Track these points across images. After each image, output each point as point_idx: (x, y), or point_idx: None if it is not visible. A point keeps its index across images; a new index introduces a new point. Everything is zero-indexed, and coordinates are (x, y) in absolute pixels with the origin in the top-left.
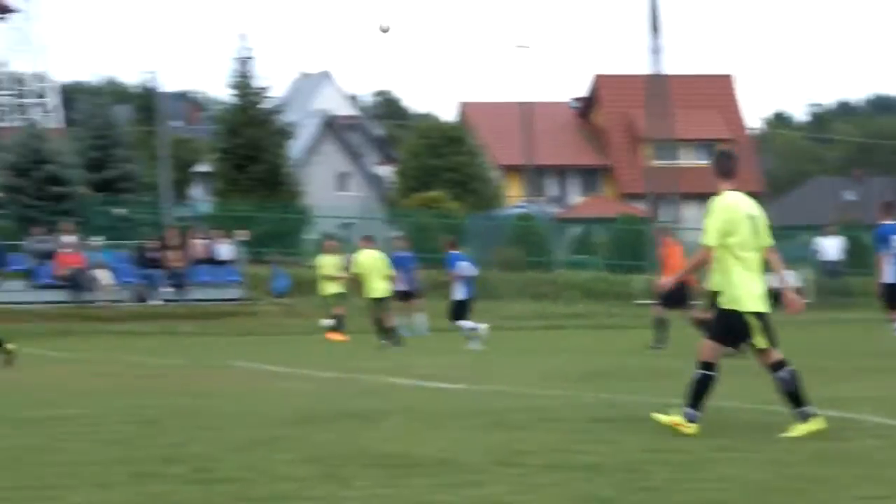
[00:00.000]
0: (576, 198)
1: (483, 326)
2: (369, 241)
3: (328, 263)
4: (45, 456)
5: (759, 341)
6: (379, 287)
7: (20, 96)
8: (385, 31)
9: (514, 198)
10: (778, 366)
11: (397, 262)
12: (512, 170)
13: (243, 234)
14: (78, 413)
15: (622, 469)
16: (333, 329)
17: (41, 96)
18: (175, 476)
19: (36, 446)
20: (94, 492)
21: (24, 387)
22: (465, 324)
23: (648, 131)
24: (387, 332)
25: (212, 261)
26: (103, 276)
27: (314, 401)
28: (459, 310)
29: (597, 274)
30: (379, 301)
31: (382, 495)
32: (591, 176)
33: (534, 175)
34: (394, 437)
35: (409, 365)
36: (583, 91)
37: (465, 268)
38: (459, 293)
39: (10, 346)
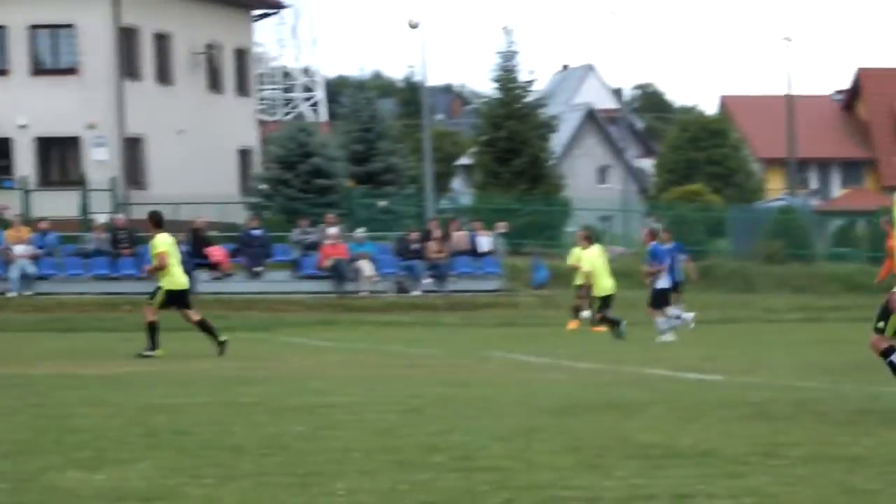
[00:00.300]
0: (837, 191)
1: (690, 315)
2: (590, 240)
3: (583, 255)
4: (310, 443)
5: None
6: (606, 285)
7: (288, 91)
8: (414, 26)
9: (776, 191)
10: None
11: (664, 255)
12: (773, 163)
13: (503, 227)
14: (342, 401)
15: (887, 462)
16: (599, 322)
17: (308, 90)
18: (437, 464)
19: (301, 434)
20: (357, 479)
21: (288, 376)
22: (672, 311)
23: None
24: (611, 325)
25: (472, 252)
26: (366, 267)
27: (573, 391)
28: (661, 299)
29: (859, 266)
30: (606, 299)
31: (642, 485)
32: (853, 169)
33: (796, 168)
34: (654, 428)
35: (667, 356)
36: (845, 84)
37: (665, 255)
38: (662, 282)
39: (222, 337)
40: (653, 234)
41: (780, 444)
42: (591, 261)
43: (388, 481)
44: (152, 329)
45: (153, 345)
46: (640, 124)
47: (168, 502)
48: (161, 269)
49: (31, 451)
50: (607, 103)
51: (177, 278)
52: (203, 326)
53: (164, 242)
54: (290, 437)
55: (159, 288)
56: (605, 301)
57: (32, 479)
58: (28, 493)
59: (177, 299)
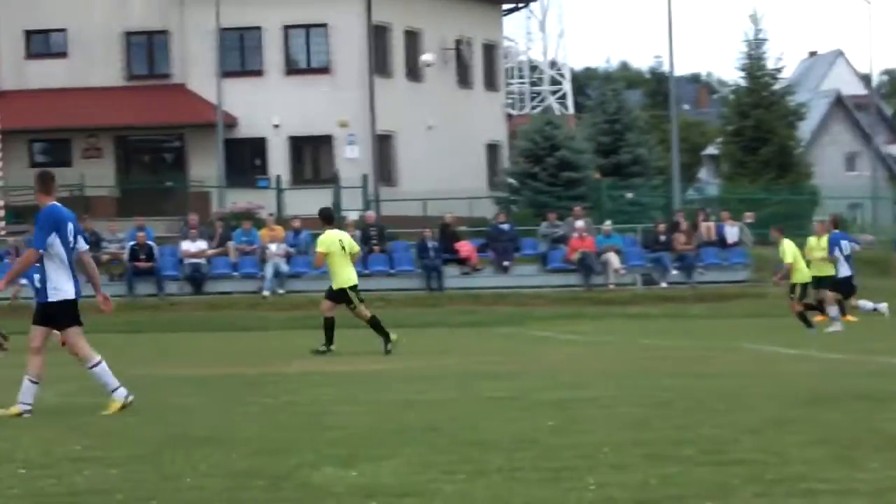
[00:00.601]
0: None
1: (883, 306)
2: (782, 232)
3: (816, 245)
4: (561, 438)
5: None
6: (804, 273)
7: (535, 84)
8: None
9: None
10: None
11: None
12: None
13: (750, 217)
14: (593, 395)
15: None
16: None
17: (556, 83)
18: (686, 458)
19: (553, 428)
20: (609, 473)
21: (538, 370)
22: (863, 303)
23: None
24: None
25: (720, 243)
26: (613, 259)
27: (823, 382)
28: (848, 287)
29: None
30: (803, 286)
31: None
32: None
33: None
34: None
35: None
36: None
37: (846, 247)
38: (844, 270)
39: (393, 336)
40: (835, 223)
41: None
42: (793, 252)
43: (639, 475)
44: (329, 325)
45: (328, 341)
46: (889, 110)
47: (420, 498)
48: (318, 267)
49: (287, 449)
50: (856, 89)
51: (341, 277)
52: (374, 324)
53: (324, 241)
54: (541, 431)
55: (331, 287)
56: (803, 289)
57: (288, 477)
58: (283, 489)
59: (343, 297)
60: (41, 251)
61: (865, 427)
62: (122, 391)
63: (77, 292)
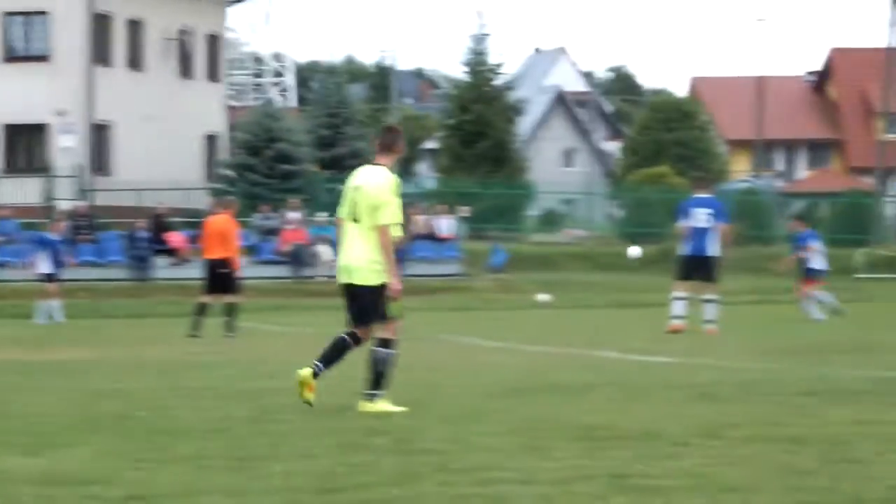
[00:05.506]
0: (804, 172)
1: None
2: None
3: None
4: (253, 427)
5: None
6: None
7: (258, 76)
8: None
9: (741, 172)
10: None
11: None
12: (741, 144)
13: (465, 211)
14: (289, 386)
15: (826, 441)
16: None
17: (279, 76)
18: (377, 447)
19: (247, 417)
20: (296, 461)
21: (239, 361)
22: (824, 296)
23: (883, 105)
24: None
25: (433, 237)
26: (325, 251)
27: (521, 374)
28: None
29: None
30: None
31: (580, 466)
32: (820, 150)
33: (762, 149)
34: (598, 410)
35: (616, 339)
36: (818, 65)
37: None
38: (817, 263)
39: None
40: (802, 221)
41: (723, 425)
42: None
43: (327, 463)
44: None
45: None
46: (609, 107)
47: (104, 486)
48: None
49: None
50: (579, 86)
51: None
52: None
53: None
54: (233, 420)
55: None
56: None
57: None
58: None
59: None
60: None
61: (557, 418)
62: None
63: None
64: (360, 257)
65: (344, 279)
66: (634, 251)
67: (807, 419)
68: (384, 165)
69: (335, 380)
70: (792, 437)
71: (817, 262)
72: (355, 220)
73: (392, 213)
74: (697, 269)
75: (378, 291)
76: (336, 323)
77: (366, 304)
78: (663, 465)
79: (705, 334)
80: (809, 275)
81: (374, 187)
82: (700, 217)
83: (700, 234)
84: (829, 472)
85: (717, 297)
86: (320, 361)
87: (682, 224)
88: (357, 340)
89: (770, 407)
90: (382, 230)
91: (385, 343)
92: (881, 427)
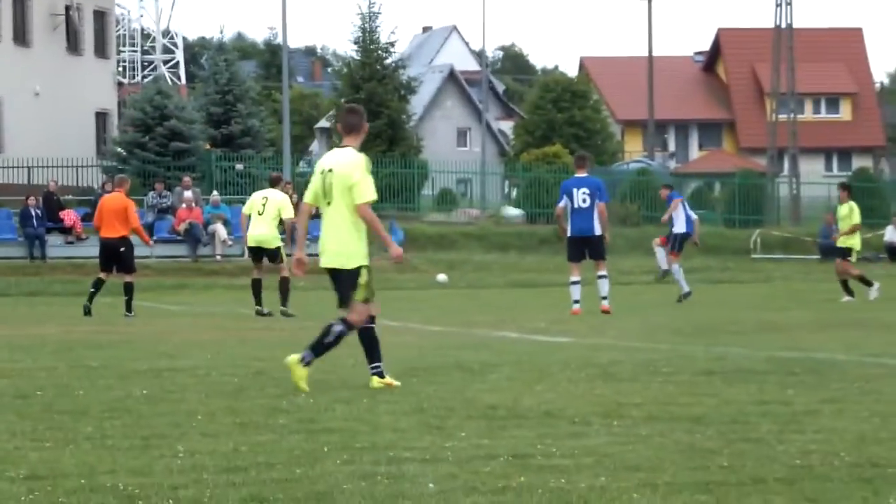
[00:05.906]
0: (696, 152)
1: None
2: (849, 192)
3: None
4: (154, 406)
5: None
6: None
7: (147, 53)
8: None
9: (634, 153)
10: None
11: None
12: (633, 124)
13: None
14: (189, 364)
15: (726, 421)
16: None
17: (168, 52)
18: (280, 426)
19: (146, 397)
20: (199, 441)
21: (137, 340)
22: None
23: (772, 85)
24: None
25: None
26: (221, 230)
27: (422, 354)
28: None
29: (713, 229)
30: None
31: (483, 445)
32: (712, 130)
33: (655, 130)
34: (499, 389)
35: (516, 319)
36: (706, 45)
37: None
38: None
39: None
40: (669, 187)
41: (623, 404)
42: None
43: (230, 443)
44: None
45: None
46: (501, 86)
47: (5, 465)
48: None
49: None
50: (470, 65)
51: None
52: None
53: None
54: (133, 400)
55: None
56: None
57: None
58: None
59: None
60: None
61: (459, 397)
62: None
63: None
64: (338, 240)
65: (324, 263)
66: (442, 278)
67: (708, 398)
68: (351, 146)
69: (244, 360)
70: (693, 416)
71: (680, 224)
72: (329, 204)
73: (368, 190)
74: (586, 247)
75: (357, 273)
76: (232, 302)
77: (350, 286)
78: (565, 445)
79: (601, 312)
80: (676, 242)
81: (346, 167)
82: (580, 197)
83: (582, 213)
84: (731, 452)
85: (607, 273)
86: (311, 350)
87: (561, 205)
88: (349, 325)
89: (671, 386)
90: (363, 208)
91: (347, 324)
92: (782, 407)
